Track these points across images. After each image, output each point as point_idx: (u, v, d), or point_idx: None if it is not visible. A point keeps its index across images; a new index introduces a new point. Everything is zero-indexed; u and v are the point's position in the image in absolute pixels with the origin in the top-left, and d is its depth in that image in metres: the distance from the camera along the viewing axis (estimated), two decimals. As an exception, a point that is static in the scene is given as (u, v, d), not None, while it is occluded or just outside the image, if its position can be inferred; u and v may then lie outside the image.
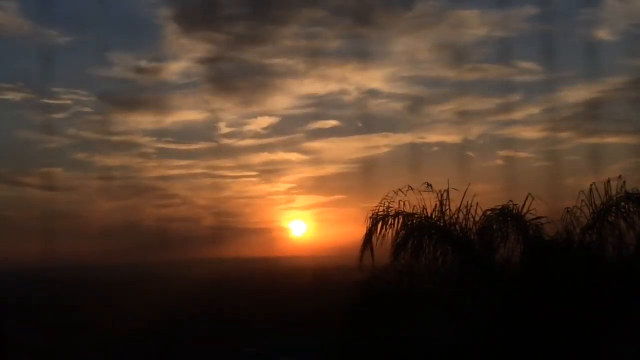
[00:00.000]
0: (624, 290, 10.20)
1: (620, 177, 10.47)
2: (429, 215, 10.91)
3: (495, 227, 10.60)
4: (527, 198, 10.69)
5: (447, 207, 10.84)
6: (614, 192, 10.38)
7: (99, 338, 41.40)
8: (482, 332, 10.65)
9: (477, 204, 10.84)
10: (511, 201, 10.80)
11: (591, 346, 10.28)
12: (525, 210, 10.67)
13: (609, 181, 10.47)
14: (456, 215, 10.81)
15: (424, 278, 10.94)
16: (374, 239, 11.09)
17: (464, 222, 10.79)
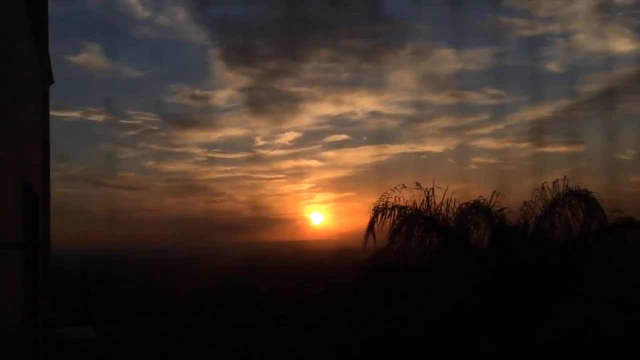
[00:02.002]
0: (570, 266, 11.08)
1: (565, 177, 11.34)
2: (418, 207, 11.63)
3: (469, 217, 11.47)
4: (493, 194, 11.56)
5: (432, 202, 11.61)
6: (560, 189, 11.22)
7: (166, 301, 44.06)
8: (460, 300, 11.46)
9: (455, 199, 11.68)
10: (481, 197, 11.63)
11: (545, 310, 11.06)
12: (492, 204, 11.50)
13: (556, 181, 11.32)
14: (439, 208, 11.57)
15: (414, 257, 11.64)
16: (376, 226, 11.84)
17: (445, 213, 11.57)
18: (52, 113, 5.55)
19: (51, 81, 7.13)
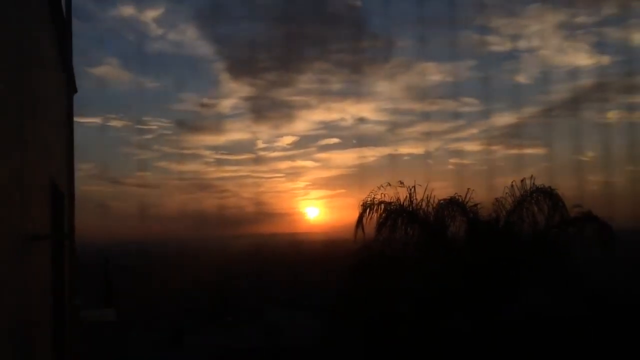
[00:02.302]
0: (535, 254, 11.15)
1: (531, 176, 11.37)
2: (402, 203, 11.61)
3: (445, 212, 11.49)
4: (467, 191, 11.58)
5: (414, 198, 11.60)
6: (528, 187, 11.26)
7: (179, 285, 44.09)
8: (440, 285, 11.35)
9: (435, 195, 11.69)
10: (457, 193, 11.62)
11: (513, 293, 11.09)
12: (467, 200, 11.51)
13: (524, 179, 11.36)
14: (420, 203, 11.57)
15: (399, 247, 11.64)
16: (364, 220, 11.79)
17: (426, 208, 11.58)
18: (76, 119, 5.50)
19: (75, 91, 7.08)
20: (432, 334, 10.90)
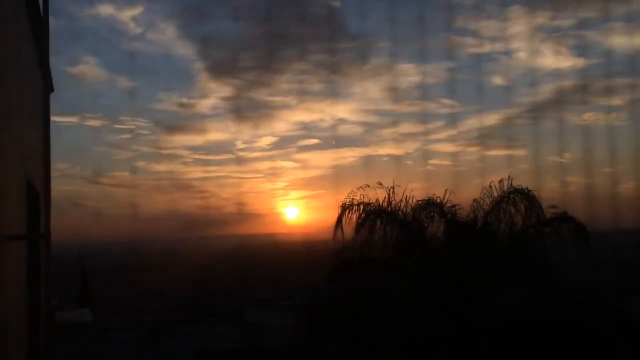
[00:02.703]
0: (512, 254, 11.27)
1: (509, 177, 11.45)
2: (381, 204, 11.62)
3: (423, 213, 11.54)
4: (445, 192, 11.66)
5: (393, 199, 11.61)
6: (505, 188, 11.32)
7: (156, 286, 43.76)
8: (418, 283, 11.54)
9: (413, 196, 11.71)
10: (434, 194, 11.68)
11: (491, 291, 11.10)
12: (445, 200, 11.56)
13: (501, 180, 11.43)
14: (399, 204, 11.58)
15: (377, 247, 11.62)
16: (344, 220, 11.81)
17: (404, 209, 11.58)
18: (52, 119, 5.45)
19: (52, 90, 7.00)
20: (410, 331, 10.94)
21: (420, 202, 11.66)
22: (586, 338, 10.04)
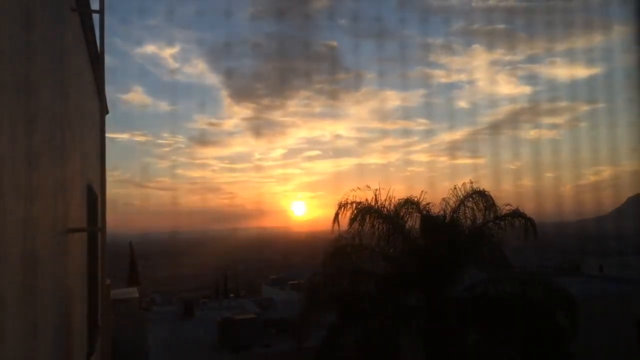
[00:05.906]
0: (474, 243, 11.23)
1: (470, 181, 11.54)
2: (369, 203, 11.59)
3: (404, 209, 11.57)
4: (421, 193, 11.71)
5: (379, 198, 11.59)
6: (468, 189, 11.39)
7: (191, 269, 43.45)
8: (399, 267, 11.51)
9: (395, 196, 11.73)
10: (412, 195, 11.73)
11: (457, 273, 11.17)
12: (421, 200, 11.61)
13: (464, 183, 11.54)
14: (384, 203, 11.58)
15: (366, 237, 11.58)
16: (340, 215, 11.65)
17: (388, 206, 11.59)
18: (107, 135, 5.49)
19: (107, 112, 7.04)
20: (392, 303, 10.86)
21: (401, 201, 11.65)
22: (531, 308, 10.00)
